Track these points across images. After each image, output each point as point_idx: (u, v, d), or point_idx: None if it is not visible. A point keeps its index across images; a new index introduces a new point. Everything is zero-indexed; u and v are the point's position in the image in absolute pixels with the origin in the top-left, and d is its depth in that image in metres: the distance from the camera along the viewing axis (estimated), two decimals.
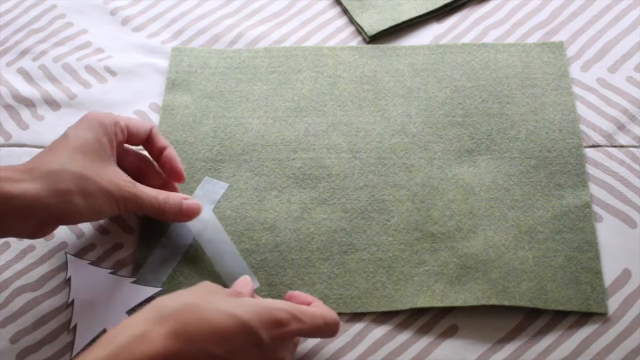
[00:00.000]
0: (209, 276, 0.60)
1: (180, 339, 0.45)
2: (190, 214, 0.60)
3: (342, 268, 0.60)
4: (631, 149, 0.65)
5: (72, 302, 0.59)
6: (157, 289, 0.59)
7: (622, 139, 0.65)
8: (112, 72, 0.73)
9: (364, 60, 0.71)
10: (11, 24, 0.77)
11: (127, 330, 0.45)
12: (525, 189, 0.63)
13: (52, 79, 0.73)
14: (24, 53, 0.75)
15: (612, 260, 0.59)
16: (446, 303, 0.57)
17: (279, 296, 0.59)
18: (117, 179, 0.56)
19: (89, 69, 0.73)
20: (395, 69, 0.71)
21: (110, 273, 0.60)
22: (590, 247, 0.59)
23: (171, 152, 0.61)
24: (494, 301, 0.57)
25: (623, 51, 0.71)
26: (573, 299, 0.57)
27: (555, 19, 0.73)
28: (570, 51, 0.71)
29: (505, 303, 0.57)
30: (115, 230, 0.63)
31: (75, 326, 0.58)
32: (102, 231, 0.63)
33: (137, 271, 0.60)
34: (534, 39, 0.72)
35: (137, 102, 0.71)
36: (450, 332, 0.57)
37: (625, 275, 0.59)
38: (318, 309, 0.52)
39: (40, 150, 0.67)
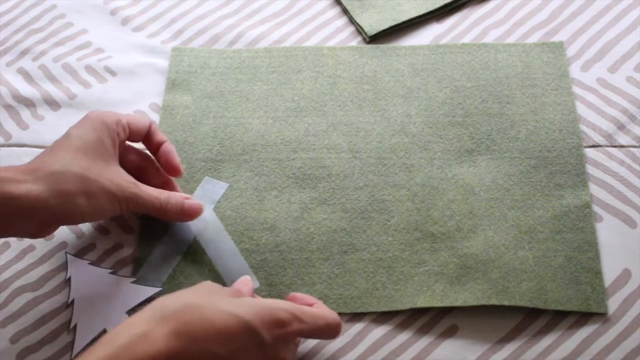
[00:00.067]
0: (209, 276, 0.60)
1: (183, 338, 0.45)
2: (192, 214, 0.60)
3: (342, 268, 0.60)
4: (631, 149, 0.65)
5: (72, 302, 0.59)
6: (157, 289, 0.59)
7: (622, 139, 0.65)
8: (112, 72, 0.73)
9: (364, 60, 0.72)
10: (11, 24, 0.77)
11: (128, 330, 0.45)
12: (525, 189, 0.63)
13: (52, 79, 0.73)
14: (24, 53, 0.75)
15: (612, 260, 0.59)
16: (446, 303, 0.57)
17: (279, 296, 0.59)
18: (120, 179, 0.56)
19: (89, 69, 0.73)
20: (395, 69, 0.71)
21: (110, 273, 0.60)
22: (590, 247, 0.60)
23: (168, 146, 0.61)
24: (494, 301, 0.57)
25: (623, 51, 0.71)
26: (573, 299, 0.57)
27: (555, 19, 0.73)
28: (570, 51, 0.71)
29: (505, 303, 0.57)
30: (115, 230, 0.63)
31: (75, 326, 0.58)
32: (102, 231, 0.63)
33: (137, 271, 0.60)
34: (534, 39, 0.72)
35: (137, 102, 0.71)
36: (450, 332, 0.57)
37: (625, 275, 0.59)
38: (320, 310, 0.52)
39: (40, 150, 0.68)
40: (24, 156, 0.67)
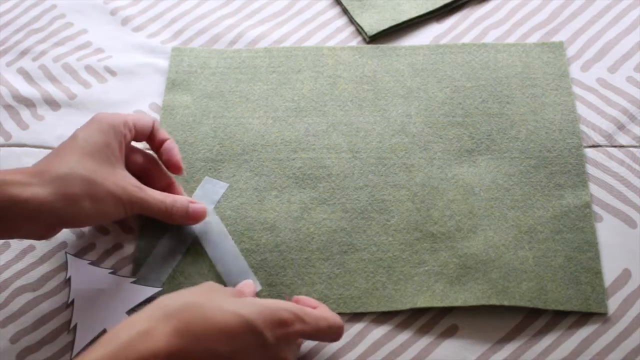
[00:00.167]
0: (209, 276, 0.60)
1: (185, 337, 0.45)
2: (196, 217, 0.60)
3: (342, 268, 0.60)
4: (631, 149, 0.65)
5: (72, 302, 0.59)
6: (157, 289, 0.59)
7: (622, 139, 0.65)
8: (112, 72, 0.73)
9: (364, 60, 0.71)
10: (11, 24, 0.77)
11: (129, 328, 0.45)
12: (525, 189, 0.63)
13: (52, 79, 0.73)
14: (24, 53, 0.75)
15: (612, 260, 0.59)
16: (446, 303, 0.57)
17: (279, 296, 0.59)
18: (125, 182, 0.56)
19: (89, 69, 0.73)
20: (395, 69, 0.71)
21: (110, 273, 0.60)
22: (590, 247, 0.60)
23: (170, 144, 0.61)
24: (494, 301, 0.57)
25: (623, 51, 0.71)
26: (573, 299, 0.57)
27: (555, 19, 0.73)
28: (570, 51, 0.71)
29: (505, 303, 0.57)
30: (115, 230, 0.63)
31: (75, 326, 0.58)
32: (102, 231, 0.63)
33: (137, 271, 0.60)
34: (534, 39, 0.72)
35: (137, 102, 0.71)
36: (450, 332, 0.57)
37: (625, 275, 0.59)
38: (322, 312, 0.52)
39: (40, 150, 0.68)
40: (24, 156, 0.67)
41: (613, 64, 0.70)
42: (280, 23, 0.76)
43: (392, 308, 0.58)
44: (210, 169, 0.65)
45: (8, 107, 0.71)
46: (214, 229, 0.62)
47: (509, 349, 0.56)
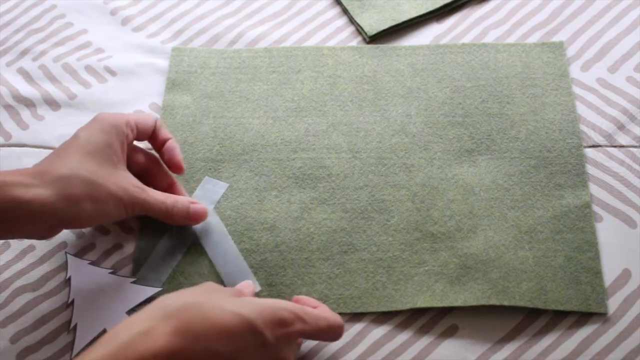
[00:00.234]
0: (208, 276, 0.60)
1: (185, 336, 0.45)
2: (197, 218, 0.60)
3: (342, 268, 0.60)
4: (631, 149, 0.65)
5: (72, 302, 0.59)
6: (157, 289, 0.59)
7: (622, 139, 0.65)
8: (112, 72, 0.73)
9: (364, 60, 0.71)
10: (11, 24, 0.77)
11: (129, 328, 0.45)
12: (525, 189, 0.63)
13: (52, 79, 0.73)
14: (24, 53, 0.75)
15: (612, 260, 0.59)
16: (446, 303, 0.57)
17: (279, 296, 0.59)
18: (127, 183, 0.56)
19: (89, 69, 0.73)
20: (395, 69, 0.71)
21: (110, 273, 0.60)
22: (590, 247, 0.60)
23: (172, 143, 0.61)
24: (494, 301, 0.57)
25: (623, 51, 0.71)
26: (573, 299, 0.57)
27: (555, 19, 0.73)
28: (570, 51, 0.71)
29: (505, 303, 0.57)
30: (115, 230, 0.63)
31: (75, 326, 0.58)
32: (102, 231, 0.63)
33: (137, 271, 0.60)
34: (534, 39, 0.72)
35: (137, 102, 0.71)
36: (450, 332, 0.57)
37: (625, 275, 0.59)
38: (322, 312, 0.52)
39: (40, 150, 0.68)
40: (24, 156, 0.67)
41: (613, 64, 0.70)
42: (280, 23, 0.76)
43: (392, 308, 0.58)
44: (210, 169, 0.65)
45: (8, 107, 0.71)
46: (214, 229, 0.62)
47: (509, 349, 0.56)
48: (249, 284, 0.58)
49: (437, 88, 0.69)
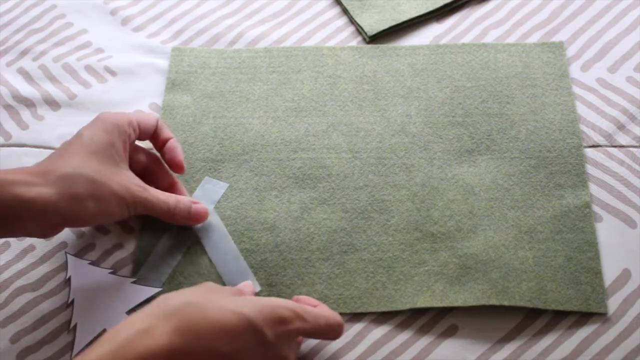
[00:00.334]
0: (208, 276, 0.60)
1: (185, 335, 0.45)
2: (198, 218, 0.60)
3: (342, 268, 0.60)
4: (631, 149, 0.65)
5: (72, 302, 0.59)
6: (157, 289, 0.59)
7: (622, 139, 0.65)
8: (112, 72, 0.73)
9: (364, 60, 0.71)
10: (11, 24, 0.77)
11: (129, 327, 0.45)
12: (525, 189, 0.63)
13: (52, 79, 0.73)
14: (24, 53, 0.75)
15: (612, 260, 0.59)
16: (446, 303, 0.57)
17: (279, 296, 0.59)
18: (129, 183, 0.56)
19: (89, 69, 0.73)
20: (395, 69, 0.71)
21: (110, 273, 0.60)
22: (590, 247, 0.59)
23: (173, 143, 0.62)
24: (493, 301, 0.57)
25: (623, 51, 0.71)
26: (573, 299, 0.57)
27: (555, 19, 0.73)
28: (570, 51, 0.71)
29: (505, 303, 0.57)
30: (115, 230, 0.63)
31: (75, 326, 0.58)
32: (102, 231, 0.63)
33: (137, 271, 0.60)
34: (534, 39, 0.72)
35: (137, 102, 0.71)
36: (450, 332, 0.57)
37: (625, 275, 0.59)
38: (322, 310, 0.52)
39: (40, 150, 0.68)
40: (24, 156, 0.67)
41: (613, 64, 0.70)
42: (280, 23, 0.76)
43: (392, 308, 0.58)
44: (210, 169, 0.65)
45: (8, 107, 0.71)
46: (214, 229, 0.62)
47: (509, 349, 0.56)
48: (249, 284, 0.58)
49: (437, 88, 0.69)
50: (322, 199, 0.63)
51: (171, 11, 0.77)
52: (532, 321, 0.57)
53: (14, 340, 0.58)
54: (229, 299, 0.49)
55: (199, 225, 0.62)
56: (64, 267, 0.61)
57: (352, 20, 0.75)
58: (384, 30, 0.73)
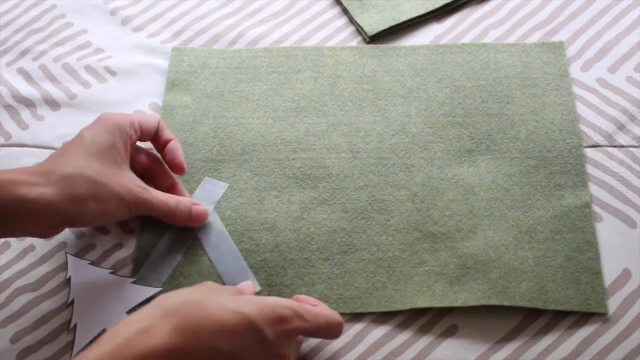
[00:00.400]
0: (209, 276, 0.60)
1: (185, 334, 0.45)
2: (198, 219, 0.60)
3: (342, 268, 0.60)
4: (631, 149, 0.65)
5: (72, 301, 0.59)
6: (157, 289, 0.59)
7: (622, 139, 0.65)
8: (112, 72, 0.73)
9: (364, 60, 0.71)
10: (11, 24, 0.77)
11: (129, 326, 0.45)
12: (525, 189, 0.63)
13: (52, 79, 0.73)
14: (24, 53, 0.75)
15: (612, 260, 0.59)
16: (446, 303, 0.57)
17: (279, 296, 0.59)
18: (130, 184, 0.57)
19: (89, 69, 0.73)
20: (395, 69, 0.71)
21: (110, 273, 0.60)
22: (590, 247, 0.59)
23: (174, 144, 0.62)
24: (493, 301, 0.57)
25: (623, 51, 0.71)
26: (573, 299, 0.57)
27: (555, 19, 0.73)
28: (570, 51, 0.71)
29: (505, 303, 0.57)
30: (115, 230, 0.63)
31: (75, 326, 0.58)
32: (102, 231, 0.63)
33: (137, 271, 0.60)
34: (534, 39, 0.72)
35: (137, 102, 0.71)
36: (450, 332, 0.57)
37: (625, 275, 0.59)
38: (321, 309, 0.52)
39: (40, 150, 0.68)
40: (24, 156, 0.67)
41: (613, 64, 0.70)
42: (280, 23, 0.76)
43: (392, 308, 0.58)
44: (210, 169, 0.65)
45: (8, 107, 0.71)
46: (214, 229, 0.62)
47: (509, 349, 0.56)
48: (249, 284, 0.58)
49: (437, 88, 0.69)
50: (322, 199, 0.63)
51: (171, 11, 0.77)
52: (532, 321, 0.57)
53: (14, 340, 0.58)
54: (229, 298, 0.49)
55: (199, 225, 0.62)
56: (64, 267, 0.61)
57: (352, 20, 0.75)
58: (384, 30, 0.73)
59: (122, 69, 0.73)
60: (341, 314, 0.57)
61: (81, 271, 0.60)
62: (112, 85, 0.72)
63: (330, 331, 0.52)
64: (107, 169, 0.56)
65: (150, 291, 0.59)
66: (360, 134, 0.67)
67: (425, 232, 0.61)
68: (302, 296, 0.57)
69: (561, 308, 0.57)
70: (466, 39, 0.73)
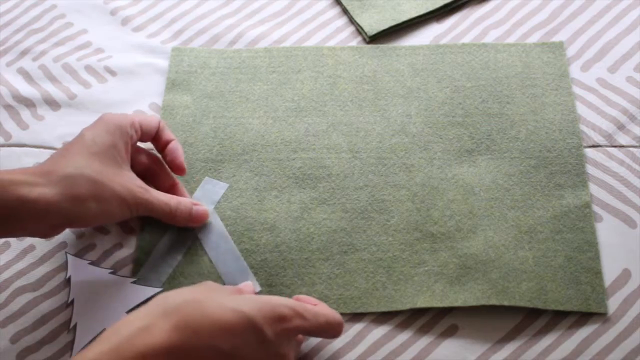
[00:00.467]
0: (209, 277, 0.60)
1: (185, 332, 0.45)
2: (199, 219, 0.61)
3: (342, 268, 0.60)
4: (631, 149, 0.65)
5: (72, 301, 0.59)
6: (157, 289, 0.59)
7: (622, 139, 0.65)
8: (112, 72, 0.73)
9: (364, 60, 0.71)
10: (11, 24, 0.77)
11: (129, 325, 0.45)
12: (525, 189, 0.63)
13: (52, 79, 0.73)
14: (24, 53, 0.75)
15: (612, 260, 0.59)
16: (446, 303, 0.57)
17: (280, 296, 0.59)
18: (131, 184, 0.57)
19: (89, 69, 0.73)
20: (395, 69, 0.71)
21: (110, 273, 0.60)
22: (590, 247, 0.59)
23: (174, 145, 0.62)
24: (493, 301, 0.57)
25: (623, 51, 0.71)
26: (573, 299, 0.57)
27: (555, 19, 0.73)
28: (570, 51, 0.71)
29: (505, 303, 0.57)
30: (116, 230, 0.63)
31: (75, 325, 0.58)
32: (102, 231, 0.63)
33: (137, 271, 0.60)
34: (534, 39, 0.72)
35: (137, 102, 0.71)
36: (450, 332, 0.57)
37: (625, 275, 0.59)
38: (321, 309, 0.52)
39: (40, 150, 0.68)
40: (24, 156, 0.67)
41: (613, 64, 0.70)
42: (280, 23, 0.76)
43: (392, 308, 0.58)
44: (210, 169, 0.65)
45: (8, 107, 0.71)
46: (214, 230, 0.62)
47: (509, 349, 0.56)
48: (249, 285, 0.58)
49: (437, 88, 0.69)
50: (322, 199, 0.63)
51: (171, 11, 0.77)
52: (532, 321, 0.57)
53: (14, 340, 0.58)
54: (229, 297, 0.49)
55: (200, 226, 0.62)
56: (64, 267, 0.61)
57: (352, 20, 0.75)
58: (384, 30, 0.73)
59: (122, 69, 0.73)
60: (341, 314, 0.57)
61: (81, 271, 0.60)
62: (112, 85, 0.72)
63: (331, 330, 0.52)
64: (107, 170, 0.56)
65: (150, 291, 0.59)
66: (360, 134, 0.67)
67: (425, 232, 0.61)
68: (302, 296, 0.57)
69: (561, 308, 0.57)
70: (466, 39, 0.73)
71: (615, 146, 0.65)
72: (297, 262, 0.60)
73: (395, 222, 0.62)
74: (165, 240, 0.62)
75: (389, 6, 0.75)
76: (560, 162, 0.64)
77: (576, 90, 0.68)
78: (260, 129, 0.67)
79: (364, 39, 0.74)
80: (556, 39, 0.72)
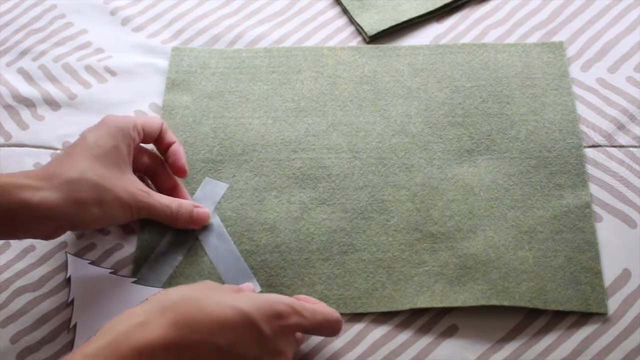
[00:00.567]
0: (209, 277, 0.60)
1: (182, 328, 0.45)
2: (200, 221, 0.61)
3: (342, 268, 0.60)
4: (631, 149, 0.65)
5: (72, 301, 0.59)
6: (157, 289, 0.59)
7: (622, 139, 0.65)
8: (112, 72, 0.73)
9: (364, 60, 0.71)
10: (11, 24, 0.77)
11: (127, 319, 0.45)
12: (525, 189, 0.63)
13: (52, 79, 0.73)
14: (24, 53, 0.75)
15: (612, 260, 0.59)
16: (446, 303, 0.57)
17: None
18: (133, 187, 0.57)
19: (89, 69, 0.73)
20: (395, 69, 0.71)
21: (111, 273, 0.60)
22: (590, 247, 0.60)
23: (176, 147, 0.62)
24: (493, 301, 0.57)
25: (623, 51, 0.71)
26: (573, 299, 0.57)
27: (555, 19, 0.73)
28: (570, 51, 0.71)
29: (505, 303, 0.57)
30: (116, 230, 0.63)
31: (75, 325, 0.58)
32: (103, 231, 0.63)
33: (137, 271, 0.60)
34: (534, 39, 0.72)
35: (137, 102, 0.71)
36: (450, 332, 0.57)
37: (625, 275, 0.59)
38: (319, 307, 0.52)
39: (40, 150, 0.68)
40: (24, 156, 0.67)
41: (613, 64, 0.70)
42: (280, 23, 0.76)
43: (392, 308, 0.58)
44: (210, 169, 0.65)
45: (8, 107, 0.71)
46: (214, 230, 0.62)
47: (509, 349, 0.56)
48: (249, 286, 0.58)
49: (437, 88, 0.69)
50: (322, 199, 0.63)
51: (171, 11, 0.77)
52: (532, 321, 0.57)
53: (14, 340, 0.58)
54: (227, 294, 0.49)
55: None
56: (64, 267, 0.61)
57: (352, 20, 0.75)
58: (384, 30, 0.73)
59: (122, 69, 0.73)
60: (341, 314, 0.57)
61: (81, 271, 0.60)
62: (112, 85, 0.72)
63: (329, 328, 0.52)
64: (110, 173, 0.56)
65: (150, 291, 0.59)
66: (360, 134, 0.67)
67: (425, 232, 0.61)
68: (302, 296, 0.57)
69: (561, 308, 0.57)
70: (466, 39, 0.73)
71: (615, 146, 0.65)
72: (297, 262, 0.60)
73: (395, 222, 0.62)
74: (166, 241, 0.62)
75: (389, 6, 0.75)
76: (560, 162, 0.64)
77: (576, 90, 0.68)
78: (260, 129, 0.67)
79: (364, 39, 0.74)
80: (556, 39, 0.72)
